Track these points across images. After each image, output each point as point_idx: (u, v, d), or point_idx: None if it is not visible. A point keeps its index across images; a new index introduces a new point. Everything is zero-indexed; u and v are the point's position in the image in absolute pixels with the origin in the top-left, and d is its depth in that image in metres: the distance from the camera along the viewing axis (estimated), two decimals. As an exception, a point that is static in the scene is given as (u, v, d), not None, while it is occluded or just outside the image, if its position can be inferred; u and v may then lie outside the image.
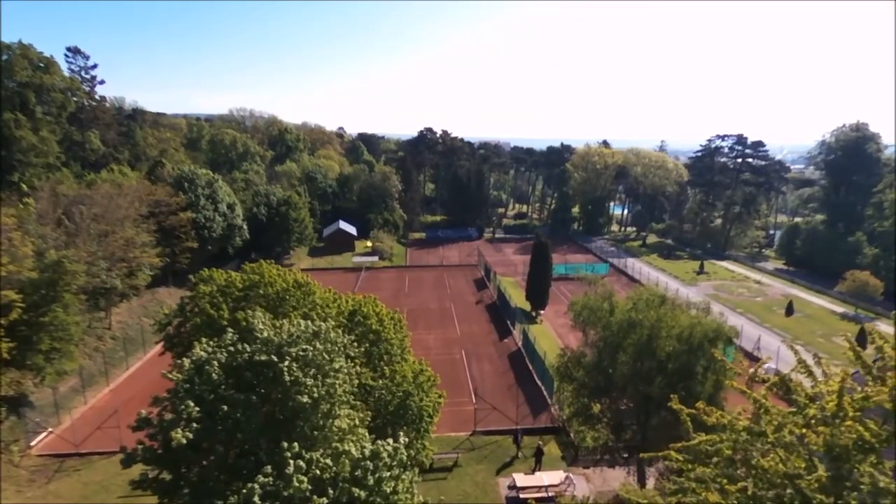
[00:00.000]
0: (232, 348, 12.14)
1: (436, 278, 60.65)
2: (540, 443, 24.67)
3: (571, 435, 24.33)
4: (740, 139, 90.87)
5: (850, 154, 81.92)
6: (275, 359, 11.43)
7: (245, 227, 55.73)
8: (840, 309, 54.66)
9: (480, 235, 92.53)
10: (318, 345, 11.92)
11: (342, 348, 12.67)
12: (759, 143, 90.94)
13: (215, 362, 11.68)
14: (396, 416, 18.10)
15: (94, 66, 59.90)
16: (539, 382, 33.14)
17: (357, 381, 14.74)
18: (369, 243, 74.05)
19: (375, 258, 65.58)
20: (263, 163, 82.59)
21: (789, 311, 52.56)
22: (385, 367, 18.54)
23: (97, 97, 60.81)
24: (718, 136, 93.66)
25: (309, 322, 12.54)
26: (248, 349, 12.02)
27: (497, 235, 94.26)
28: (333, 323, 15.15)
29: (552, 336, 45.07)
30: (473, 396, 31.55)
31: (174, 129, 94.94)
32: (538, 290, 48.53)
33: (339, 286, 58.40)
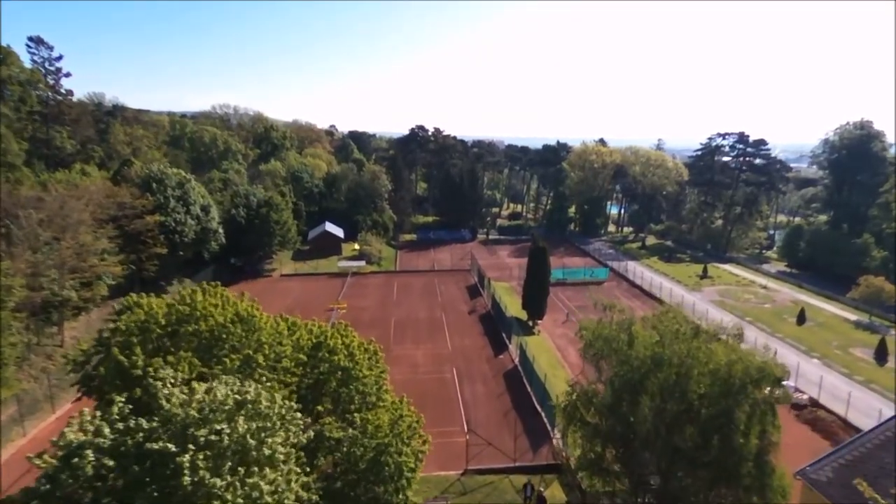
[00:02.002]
0: (121, 425, 8.54)
1: (426, 285, 57.07)
2: (541, 488, 21.26)
3: (579, 476, 20.90)
4: (742, 137, 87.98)
5: (855, 153, 79.40)
6: (172, 447, 7.88)
7: (221, 230, 51.87)
8: (853, 316, 51.73)
9: (474, 237, 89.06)
10: (241, 423, 8.39)
11: (280, 421, 9.13)
12: (762, 142, 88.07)
13: (89, 451, 8.07)
14: (369, 474, 14.60)
15: (59, 58, 55.66)
16: (538, 407, 29.73)
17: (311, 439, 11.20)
18: (357, 246, 70.37)
19: (362, 263, 61.89)
20: (245, 161, 78.54)
21: (801, 319, 49.57)
22: (356, 415, 15.00)
23: (62, 91, 56.58)
24: (719, 135, 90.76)
25: (231, 389, 8.98)
26: (145, 426, 8.42)
27: (491, 237, 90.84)
28: (289, 363, 11.70)
29: (551, 349, 41.72)
30: (466, 425, 28.10)
31: (156, 126, 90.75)
32: (535, 299, 45.14)
33: (322, 294, 55.48)
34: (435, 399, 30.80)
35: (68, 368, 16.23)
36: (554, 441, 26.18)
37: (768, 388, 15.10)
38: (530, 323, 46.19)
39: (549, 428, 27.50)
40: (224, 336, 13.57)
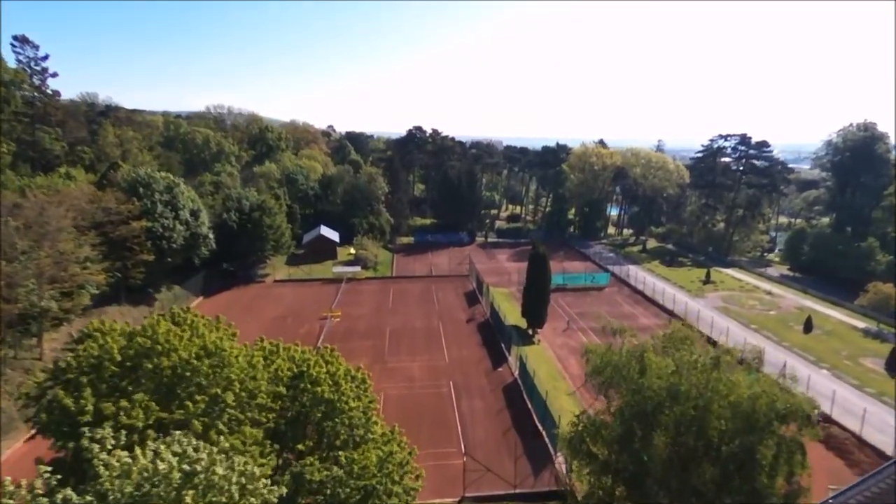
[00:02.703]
0: (45, 501, 7.06)
1: (423, 291, 55.59)
2: (544, 520, 19.86)
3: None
4: (744, 139, 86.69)
5: (858, 154, 78.22)
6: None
7: (211, 235, 50.30)
8: (861, 324, 50.43)
9: (472, 240, 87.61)
10: (188, 501, 6.91)
11: (239, 492, 7.66)
12: (764, 144, 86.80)
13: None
14: (356, 518, 13.16)
15: (45, 58, 54.09)
16: (539, 425, 28.29)
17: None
18: (353, 250, 68.85)
19: (358, 268, 60.36)
20: (239, 163, 76.96)
21: (808, 327, 48.23)
22: (341, 454, 13.55)
23: (49, 91, 54.99)
24: (721, 136, 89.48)
25: (183, 451, 7.50)
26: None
27: (490, 240, 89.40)
28: (264, 398, 10.23)
29: (551, 359, 40.32)
30: (463, 446, 26.67)
31: (150, 126, 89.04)
32: (535, 307, 43.70)
33: (316, 301, 53.85)
34: (431, 416, 29.38)
35: (20, 403, 14.70)
36: (556, 464, 24.78)
37: (797, 426, 13.69)
38: (530, 331, 44.81)
39: (550, 450, 26.08)
40: (188, 374, 12.05)
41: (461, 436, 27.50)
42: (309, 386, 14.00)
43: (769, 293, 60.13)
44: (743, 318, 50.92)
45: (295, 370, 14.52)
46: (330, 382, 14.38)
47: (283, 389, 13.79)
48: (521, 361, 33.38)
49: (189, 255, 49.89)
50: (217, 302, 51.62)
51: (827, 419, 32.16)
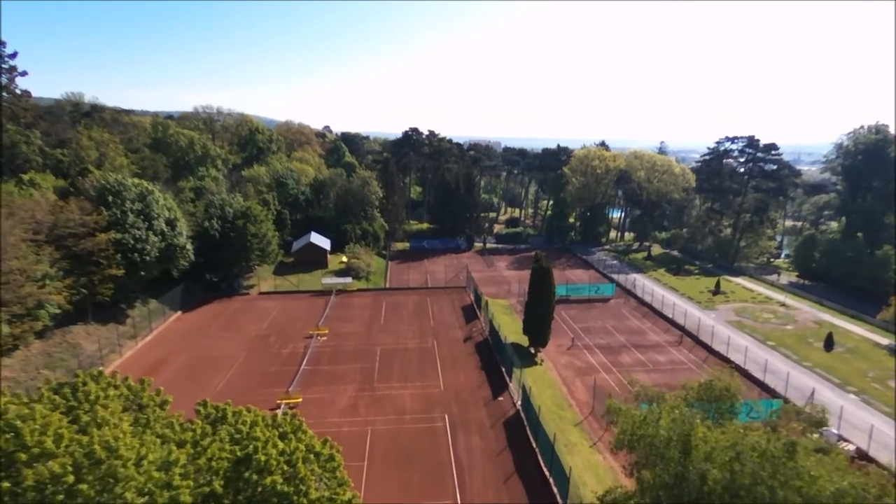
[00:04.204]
0: None
1: (418, 305, 52.20)
2: None
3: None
4: (751, 142, 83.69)
5: (870, 158, 75.33)
6: None
7: (190, 246, 46.85)
8: (883, 340, 47.30)
9: (470, 246, 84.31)
10: None
11: None
12: (772, 146, 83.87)
13: None
14: None
15: (14, 55, 50.54)
16: (546, 471, 24.96)
17: None
18: (344, 259, 65.45)
19: (348, 280, 56.92)
20: (226, 167, 73.42)
21: (829, 344, 45.09)
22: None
23: (17, 91, 51.44)
24: (728, 139, 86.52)
25: None
26: None
27: (488, 245, 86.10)
28: (187, 499, 6.90)
29: (556, 382, 37.06)
30: (458, 496, 23.33)
31: (137, 127, 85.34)
32: (538, 325, 40.43)
33: (303, 316, 49.93)
34: (423, 459, 26.05)
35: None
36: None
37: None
38: (532, 349, 41.56)
39: (559, 501, 22.75)
40: (59, 497, 8.47)
41: (457, 484, 24.15)
42: (255, 476, 10.70)
43: (783, 305, 56.95)
44: (759, 334, 47.73)
45: (238, 453, 11.18)
46: (285, 468, 11.07)
47: (218, 486, 10.47)
48: (524, 391, 30.04)
49: (167, 268, 46.46)
50: (196, 317, 48.19)
51: (864, 456, 28.99)
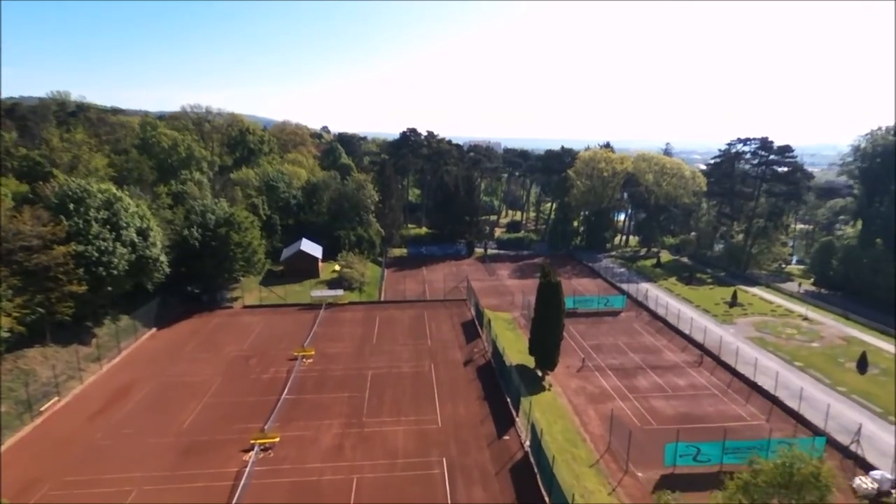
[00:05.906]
0: None
1: (414, 320, 48.27)
2: None
3: None
4: (765, 143, 79.80)
5: (889, 160, 71.60)
6: None
7: (164, 258, 42.91)
8: (919, 359, 43.47)
9: (470, 252, 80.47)
10: None
11: None
12: (787, 148, 79.92)
13: None
14: None
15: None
16: (562, 535, 21.07)
17: None
18: (337, 267, 61.52)
19: (340, 292, 52.93)
20: (212, 170, 69.54)
21: (862, 366, 41.27)
22: None
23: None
24: (740, 140, 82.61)
25: None
26: None
27: (489, 251, 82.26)
28: None
29: (566, 412, 33.19)
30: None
31: (125, 127, 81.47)
32: (546, 346, 36.62)
33: (288, 333, 44.43)
34: (417, 515, 22.14)
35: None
36: None
37: None
38: (539, 372, 37.73)
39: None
40: None
41: (456, 553, 20.25)
42: None
43: (805, 319, 53.11)
44: (784, 353, 43.90)
45: None
46: None
47: None
48: (534, 432, 26.11)
49: (140, 281, 42.53)
50: (172, 334, 44.27)
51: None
